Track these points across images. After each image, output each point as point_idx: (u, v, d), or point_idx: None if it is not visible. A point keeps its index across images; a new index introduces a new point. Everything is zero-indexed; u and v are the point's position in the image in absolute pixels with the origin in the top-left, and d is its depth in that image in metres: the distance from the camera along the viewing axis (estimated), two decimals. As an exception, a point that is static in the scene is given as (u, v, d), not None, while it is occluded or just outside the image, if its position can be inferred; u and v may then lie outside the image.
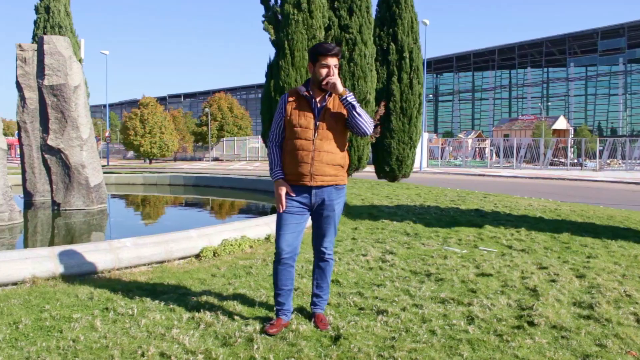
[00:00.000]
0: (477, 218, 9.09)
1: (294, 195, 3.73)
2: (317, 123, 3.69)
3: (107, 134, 46.90)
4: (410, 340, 3.49)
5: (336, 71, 3.69)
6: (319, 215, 3.82)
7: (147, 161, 49.62)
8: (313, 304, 3.97)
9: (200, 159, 60.02)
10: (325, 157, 3.68)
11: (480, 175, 29.44)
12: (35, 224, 9.76)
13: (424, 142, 34.54)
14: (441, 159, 42.79)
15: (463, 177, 27.84)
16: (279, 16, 16.56)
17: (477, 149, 48.77)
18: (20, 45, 12.44)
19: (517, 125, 62.97)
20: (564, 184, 23.06)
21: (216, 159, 57.67)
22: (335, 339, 3.51)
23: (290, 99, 3.79)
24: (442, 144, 45.39)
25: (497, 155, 41.51)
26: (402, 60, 18.63)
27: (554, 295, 4.53)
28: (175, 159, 59.34)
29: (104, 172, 20.74)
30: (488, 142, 46.66)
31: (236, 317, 3.88)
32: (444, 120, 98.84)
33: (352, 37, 17.46)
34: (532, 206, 11.06)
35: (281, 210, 3.75)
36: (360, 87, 17.44)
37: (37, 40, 10.86)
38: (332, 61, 3.67)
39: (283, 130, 3.81)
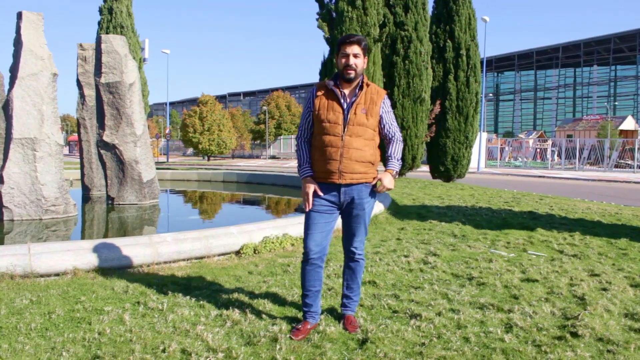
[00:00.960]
0: (529, 220, 8.77)
1: (322, 194, 3.63)
2: (347, 118, 3.57)
3: (167, 131, 48.05)
4: (440, 347, 3.34)
5: (357, 61, 3.57)
6: (349, 214, 3.71)
7: (206, 158, 50.56)
8: (343, 305, 3.87)
9: (257, 157, 60.72)
10: (354, 153, 3.56)
11: (539, 176, 28.55)
12: (89, 217, 10.03)
13: (482, 142, 33.79)
14: (500, 159, 41.77)
15: (522, 179, 27.06)
16: (333, 14, 16.51)
17: (539, 150, 47.36)
18: (81, 45, 12.83)
19: (581, 126, 60.85)
20: (629, 187, 22.07)
21: (273, 157, 58.21)
22: (362, 342, 3.41)
23: (319, 93, 3.68)
24: (501, 144, 44.29)
25: (559, 156, 40.19)
26: (459, 58, 18.26)
27: (603, 305, 4.27)
28: (233, 157, 60.26)
29: (163, 169, 21.28)
30: (550, 142, 45.21)
31: (264, 316, 3.82)
32: (504, 120, 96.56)
33: (407, 34, 17.25)
34: (590, 209, 10.60)
35: (307, 209, 3.66)
36: (415, 85, 17.20)
37: (96, 40, 11.17)
38: (351, 49, 3.56)
39: (312, 125, 3.72)
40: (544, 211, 10.04)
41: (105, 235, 8.03)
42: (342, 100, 3.61)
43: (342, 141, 3.55)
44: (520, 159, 43.88)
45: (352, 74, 3.58)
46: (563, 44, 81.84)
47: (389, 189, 3.67)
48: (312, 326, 3.65)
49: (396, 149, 3.75)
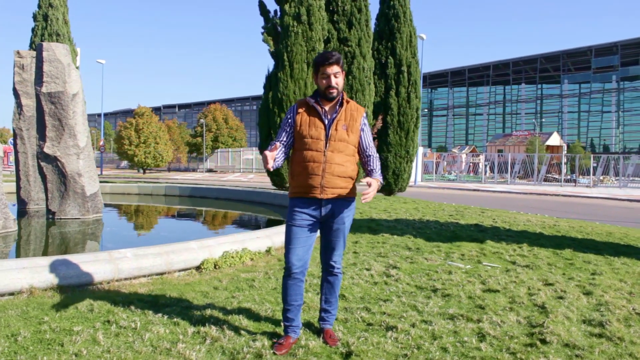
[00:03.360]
0: (477, 233, 9.03)
1: (301, 208, 3.65)
2: (329, 134, 3.61)
3: (101, 143, 46.71)
4: (423, 358, 3.40)
5: (338, 80, 3.63)
6: (329, 228, 3.73)
7: (141, 171, 49.42)
8: (321, 319, 3.87)
9: (194, 170, 59.84)
10: (336, 169, 3.59)
11: (474, 190, 29.43)
12: (30, 232, 9.61)
13: (419, 156, 34.55)
14: (436, 173, 42.80)
15: (458, 192, 27.82)
16: (279, 28, 16.58)
17: (471, 164, 48.88)
18: (18, 52, 12.34)
19: (511, 141, 63.26)
20: (558, 200, 23.06)
21: (210, 170, 57.51)
22: (347, 355, 3.42)
23: (300, 109, 3.72)
24: (436, 159, 45.39)
25: (492, 170, 41.56)
26: (401, 74, 18.66)
27: (563, 313, 4.46)
28: (169, 170, 59.15)
29: (101, 182, 20.62)
30: (482, 157, 46.71)
31: (242, 332, 3.77)
32: (438, 134, 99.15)
33: (351, 50, 17.47)
34: (530, 222, 11.02)
35: (269, 154, 3.48)
36: (358, 100, 17.42)
37: (36, 47, 10.78)
38: (332, 69, 3.60)
39: (291, 140, 3.73)
40: (488, 224, 10.36)
41: (47, 252, 7.70)
42: (323, 117, 3.65)
43: (324, 156, 3.58)
44: (454, 172, 45.11)
45: (335, 92, 3.64)
46: (493, 63, 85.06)
47: (373, 193, 3.54)
48: (293, 340, 3.64)
49: (377, 164, 3.79)
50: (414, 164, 20.61)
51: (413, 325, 4.02)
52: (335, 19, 17.78)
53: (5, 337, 3.62)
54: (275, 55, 16.68)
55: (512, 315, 4.36)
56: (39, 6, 22.18)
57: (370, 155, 3.79)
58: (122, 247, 5.72)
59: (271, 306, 4.41)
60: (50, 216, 10.51)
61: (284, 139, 3.74)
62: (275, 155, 3.58)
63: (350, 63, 17.62)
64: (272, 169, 3.53)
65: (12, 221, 8.95)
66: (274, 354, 3.41)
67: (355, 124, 3.69)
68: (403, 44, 18.74)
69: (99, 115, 61.24)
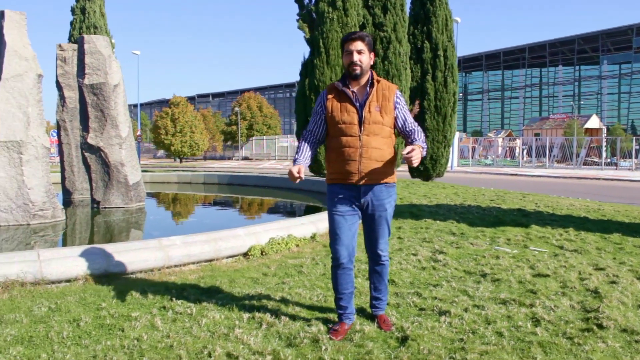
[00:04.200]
0: (521, 217, 8.91)
1: (342, 196, 3.58)
2: (362, 117, 3.52)
3: (138, 133, 47.43)
4: (479, 342, 3.38)
5: (362, 57, 3.51)
6: (371, 215, 3.65)
7: (178, 160, 50.06)
8: (373, 306, 3.87)
9: (229, 158, 60.34)
10: (373, 153, 3.50)
11: (512, 174, 29.02)
12: (76, 221, 9.85)
13: (455, 141, 34.18)
14: (472, 158, 42.32)
15: (495, 177, 27.46)
16: (314, 15, 16.53)
17: (508, 148, 48.13)
18: (60, 46, 12.58)
19: (548, 124, 62.03)
20: (599, 184, 22.58)
21: (246, 158, 57.92)
22: (402, 340, 3.42)
23: (330, 95, 3.63)
24: (472, 143, 44.85)
25: (529, 154, 40.89)
26: (437, 59, 18.44)
27: (617, 298, 4.37)
28: (205, 158, 59.77)
29: (144, 171, 20.98)
30: (519, 141, 45.98)
31: (297, 317, 3.81)
32: (473, 119, 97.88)
33: (386, 35, 17.34)
34: (574, 206, 10.82)
35: (295, 173, 3.43)
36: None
37: (76, 40, 10.97)
38: (354, 46, 3.51)
39: (324, 128, 3.66)
40: (531, 208, 10.21)
41: (93, 241, 7.89)
42: (354, 100, 3.55)
43: (360, 141, 3.49)
44: (490, 157, 44.55)
45: (358, 70, 3.53)
46: (529, 45, 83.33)
47: (415, 163, 3.34)
48: (348, 327, 3.63)
49: (420, 136, 3.62)
50: (450, 149, 20.42)
51: (466, 310, 4.00)
52: (370, 4, 17.64)
53: (68, 322, 3.73)
54: (311, 42, 16.66)
55: (565, 300, 4.30)
56: (77, 0, 22.58)
57: (412, 130, 3.64)
58: (166, 234, 5.84)
59: (322, 291, 4.44)
60: (95, 205, 10.74)
61: (314, 129, 3.68)
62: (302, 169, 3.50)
63: (386, 48, 17.48)
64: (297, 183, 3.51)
65: (60, 211, 9.18)
66: (331, 339, 3.43)
67: (389, 104, 3.57)
68: (439, 27, 18.49)
69: (135, 105, 62.06)
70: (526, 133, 60.58)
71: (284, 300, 4.21)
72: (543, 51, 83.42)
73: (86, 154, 10.79)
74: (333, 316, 3.82)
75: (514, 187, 17.98)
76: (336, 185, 3.62)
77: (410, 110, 18.23)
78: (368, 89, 3.58)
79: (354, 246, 3.67)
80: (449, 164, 32.10)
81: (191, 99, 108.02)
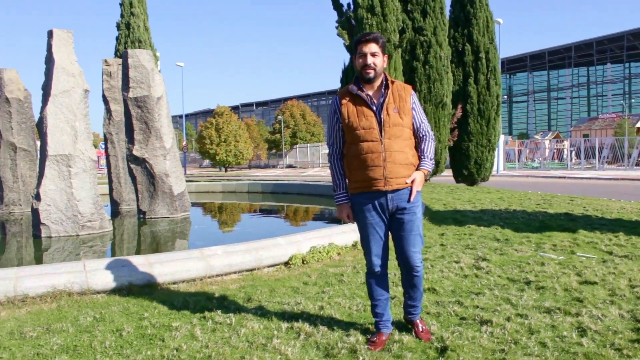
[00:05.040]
0: (568, 222, 8.68)
1: (369, 205, 3.51)
2: (381, 121, 3.40)
3: (183, 143, 48.28)
4: (521, 353, 3.29)
5: (376, 60, 3.42)
6: (400, 222, 3.51)
7: (223, 169, 50.71)
8: (408, 312, 3.78)
9: (274, 166, 60.81)
10: (397, 156, 3.39)
11: (560, 177, 28.34)
12: (123, 232, 10.08)
13: (500, 144, 33.60)
14: (518, 161, 41.52)
15: (543, 180, 26.86)
16: (353, 21, 16.52)
17: (555, 150, 47.03)
18: (106, 61, 12.93)
19: (597, 125, 60.44)
20: (654, 185, 21.82)
21: (290, 166, 58.27)
22: (442, 350, 3.37)
23: (344, 100, 3.51)
24: (518, 146, 44.01)
25: (577, 156, 39.86)
26: (479, 61, 18.20)
27: (670, 306, 4.21)
28: (249, 167, 60.40)
29: (189, 181, 21.34)
30: (567, 142, 44.87)
31: (335, 327, 3.79)
32: (518, 121, 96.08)
33: (426, 39, 17.22)
34: (625, 209, 10.48)
35: (347, 220, 3.59)
36: (436, 89, 17.16)
37: (121, 54, 11.25)
38: (368, 48, 3.39)
39: (343, 137, 3.56)
40: (579, 212, 9.94)
41: (140, 251, 8.05)
42: (370, 104, 3.45)
43: (382, 145, 3.38)
44: (537, 160, 43.62)
45: (372, 73, 3.42)
46: (575, 43, 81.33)
47: (418, 189, 3.47)
48: (386, 337, 3.57)
49: (429, 148, 3.57)
50: (495, 153, 20.09)
51: (508, 319, 3.91)
52: (409, 8, 17.56)
53: (111, 332, 3.82)
54: (351, 48, 16.65)
55: (614, 309, 4.15)
56: (122, 15, 23.21)
57: (423, 136, 3.57)
58: (210, 244, 5.90)
59: (362, 300, 4.41)
60: (141, 216, 10.97)
61: (336, 142, 3.59)
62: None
63: (427, 52, 17.35)
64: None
65: (107, 221, 9.41)
66: (369, 349, 3.40)
67: (406, 104, 3.47)
68: (480, 29, 18.25)
69: (180, 116, 63.35)
70: (574, 134, 59.18)
71: (323, 310, 4.20)
72: (590, 49, 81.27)
73: (132, 166, 11.04)
74: (372, 326, 3.79)
75: (562, 190, 17.55)
76: (362, 195, 3.52)
77: (453, 115, 18.05)
78: (383, 90, 3.48)
79: (386, 253, 3.61)
80: (495, 168, 31.59)
81: (235, 109, 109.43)
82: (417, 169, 3.53)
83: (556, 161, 44.71)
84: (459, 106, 18.26)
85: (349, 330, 3.72)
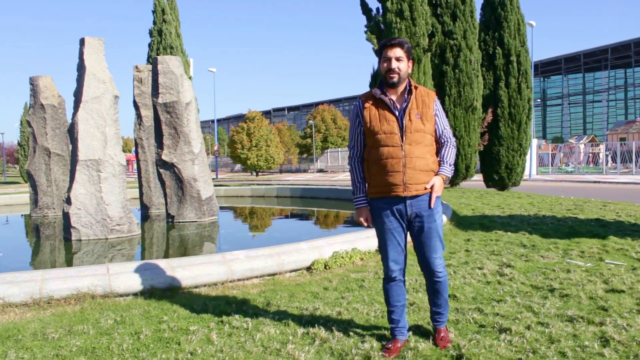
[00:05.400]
0: (598, 228, 8.49)
1: (387, 210, 3.51)
2: (403, 126, 3.41)
3: (215, 148, 48.74)
4: (539, 363, 3.23)
5: (401, 65, 3.41)
6: (420, 228, 3.51)
7: (254, 173, 51.06)
8: (433, 320, 3.75)
9: (305, 171, 60.94)
10: (418, 162, 3.38)
11: (595, 182, 27.75)
12: (151, 235, 10.21)
13: (533, 148, 33.08)
14: (551, 165, 40.82)
15: (576, 185, 26.35)
16: (382, 25, 16.50)
17: (590, 155, 46.09)
18: (136, 67, 13.15)
19: (634, 128, 59.04)
20: (692, 191, 21.21)
21: (321, 170, 58.32)
22: (457, 358, 3.32)
23: (367, 104, 3.53)
24: (552, 150, 43.27)
25: (614, 160, 38.99)
26: (510, 65, 17.97)
27: (700, 316, 4.07)
28: (280, 171, 60.67)
29: (216, 185, 21.56)
30: (602, 146, 43.96)
31: (351, 333, 3.78)
32: (552, 125, 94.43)
33: (456, 43, 17.09)
34: (660, 215, 10.21)
35: (365, 224, 3.61)
36: (466, 93, 17.00)
37: (152, 61, 11.42)
38: (393, 52, 3.39)
39: (364, 140, 3.57)
40: (611, 218, 9.72)
41: (167, 254, 8.14)
42: (392, 108, 3.45)
43: (402, 151, 3.38)
44: (572, 164, 42.82)
45: (395, 77, 3.42)
46: (612, 45, 79.60)
47: (437, 195, 3.49)
48: (402, 344, 3.55)
49: (449, 154, 3.57)
50: (527, 157, 19.79)
51: (528, 328, 3.84)
52: (438, 12, 17.46)
53: (129, 335, 3.87)
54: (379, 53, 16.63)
55: (640, 318, 4.04)
56: (154, 22, 23.59)
57: (444, 142, 3.58)
58: (236, 248, 5.93)
59: (380, 307, 4.38)
60: (170, 220, 11.10)
61: (357, 145, 3.61)
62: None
63: (457, 56, 17.22)
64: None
65: (135, 225, 9.54)
66: (383, 356, 3.38)
67: (429, 110, 3.46)
68: (511, 32, 18.02)
69: (213, 121, 64.03)
70: (610, 138, 57.98)
71: (341, 315, 4.19)
72: (627, 51, 79.41)
73: (161, 170, 11.18)
74: (388, 333, 3.76)
75: (597, 195, 17.17)
76: (381, 200, 3.51)
77: (483, 119, 17.85)
78: (406, 96, 3.48)
79: (404, 259, 3.61)
80: (527, 173, 31.12)
81: (267, 113, 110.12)
82: (436, 174, 3.52)
83: (591, 165, 43.82)
84: (490, 110, 18.06)
85: (364, 337, 3.70)
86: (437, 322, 3.73)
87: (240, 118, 72.74)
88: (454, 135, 17.19)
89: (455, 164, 17.56)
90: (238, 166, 61.73)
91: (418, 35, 15.78)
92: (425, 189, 3.45)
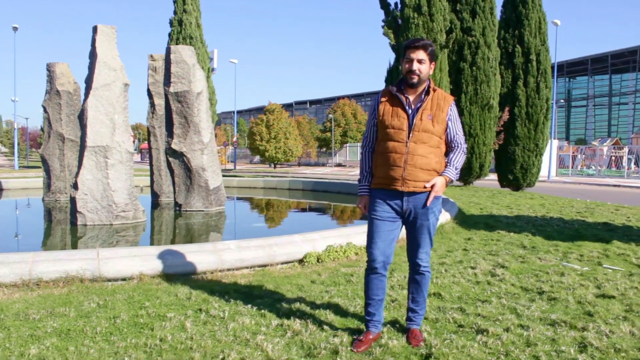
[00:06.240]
0: (604, 232, 8.36)
1: (384, 201, 3.59)
2: (412, 124, 3.49)
3: (235, 139, 48.92)
4: (509, 365, 3.18)
5: (422, 67, 3.48)
6: (412, 224, 3.60)
7: (272, 166, 51.13)
8: (408, 319, 3.75)
9: (323, 165, 60.92)
10: (419, 160, 3.46)
11: (614, 185, 27.31)
12: (157, 223, 10.28)
13: (553, 149, 32.64)
14: (572, 167, 40.26)
15: (595, 188, 25.96)
16: (399, 20, 16.38)
17: (614, 158, 45.35)
18: (151, 56, 13.22)
19: (661, 132, 57.93)
20: None
21: (339, 165, 58.24)
22: (426, 357, 3.28)
23: (383, 99, 3.64)
24: (573, 152, 42.67)
25: (637, 164, 38.35)
26: (529, 63, 17.73)
27: (689, 326, 3.96)
28: (299, 164, 60.70)
29: (230, 176, 21.67)
30: (626, 150, 43.25)
31: (326, 327, 3.76)
32: (576, 126, 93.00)
33: (475, 40, 16.91)
34: (672, 221, 10.01)
35: (364, 211, 3.67)
36: (482, 91, 16.82)
37: (165, 50, 11.47)
38: (416, 55, 3.47)
39: (376, 132, 3.66)
40: (620, 222, 9.55)
41: (172, 241, 8.19)
42: (406, 106, 3.53)
43: (406, 147, 3.47)
44: (593, 167, 42.20)
45: (415, 79, 3.50)
46: (641, 47, 78.10)
47: (437, 195, 3.54)
48: (374, 336, 3.56)
49: (457, 158, 3.64)
50: (545, 158, 19.54)
51: (507, 330, 3.78)
52: (457, 8, 17.27)
53: (107, 319, 3.90)
54: (396, 48, 16.51)
55: (625, 326, 3.94)
56: (175, 12, 23.67)
57: (455, 147, 3.64)
58: (237, 238, 5.97)
59: (361, 302, 4.34)
60: (177, 208, 11.16)
61: (370, 135, 3.71)
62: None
63: (475, 53, 17.04)
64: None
65: (141, 212, 9.61)
66: (352, 350, 3.36)
67: (442, 113, 3.53)
68: (532, 31, 17.77)
69: (233, 112, 64.36)
70: (635, 141, 57.04)
71: (320, 309, 4.17)
72: (657, 53, 77.85)
73: (170, 159, 11.24)
74: (363, 327, 3.73)
75: (615, 199, 16.88)
76: (380, 191, 3.60)
77: (500, 117, 17.65)
78: (423, 96, 3.56)
79: (390, 253, 3.64)
80: (546, 174, 30.74)
81: (289, 106, 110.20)
82: (440, 175, 3.58)
83: (613, 169, 43.12)
84: (507, 109, 17.85)
85: (337, 332, 3.68)
86: (411, 322, 3.72)
87: (261, 110, 72.89)
88: (469, 133, 17.04)
89: (469, 162, 17.40)
90: (257, 158, 61.87)
91: (435, 31, 15.62)
92: (425, 187, 3.51)
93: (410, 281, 3.76)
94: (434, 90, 3.58)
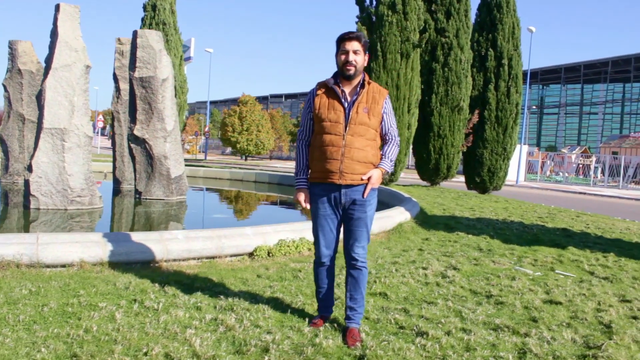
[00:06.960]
0: (562, 238, 8.38)
1: (322, 196, 3.60)
2: (349, 117, 3.47)
3: (206, 129, 48.43)
4: (443, 370, 3.10)
5: (357, 58, 3.49)
6: (350, 217, 3.59)
7: (244, 158, 50.74)
8: (347, 317, 3.66)
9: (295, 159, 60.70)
10: (356, 154, 3.46)
11: (580, 193, 27.69)
12: (114, 210, 10.04)
13: (523, 155, 32.96)
14: (541, 173, 40.74)
15: (561, 194, 26.28)
16: (373, 17, 16.30)
17: (581, 166, 46.03)
18: (119, 39, 12.92)
19: (627, 143, 59.06)
20: (674, 209, 21.14)
21: (310, 160, 58.04)
22: (359, 359, 3.18)
23: (319, 92, 3.61)
24: (542, 158, 43.17)
25: (603, 173, 38.94)
26: (501, 68, 17.79)
27: (631, 336, 3.90)
28: (270, 158, 60.40)
29: (198, 166, 21.37)
30: (594, 158, 43.87)
31: (261, 323, 3.63)
32: (548, 133, 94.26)
33: (448, 41, 16.91)
34: (629, 230, 10.11)
35: (304, 204, 3.67)
36: (453, 93, 16.84)
37: (132, 34, 11.19)
38: (351, 45, 3.48)
39: (312, 126, 3.64)
40: (579, 229, 9.61)
41: (131, 229, 7.99)
42: (342, 99, 3.52)
43: (343, 140, 3.46)
44: (561, 174, 42.78)
45: (352, 70, 3.50)
46: (613, 58, 79.26)
47: (373, 187, 3.57)
48: (326, 320, 3.82)
49: (392, 150, 3.67)
50: (513, 162, 19.66)
51: (448, 333, 3.70)
52: (432, 8, 17.25)
53: (34, 307, 3.72)
54: (369, 45, 16.42)
55: (568, 333, 3.89)
56: (149, -3, 23.15)
57: (389, 140, 3.68)
58: (196, 228, 5.82)
59: (303, 299, 4.23)
60: (137, 196, 10.93)
61: (306, 129, 3.69)
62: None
63: (447, 55, 17.03)
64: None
65: (98, 198, 9.37)
66: (281, 348, 3.24)
67: (377, 106, 3.55)
68: (505, 35, 17.83)
69: (207, 102, 63.81)
70: (603, 150, 58.00)
71: (259, 304, 4.03)
72: (628, 65, 79.14)
73: (132, 145, 10.99)
74: (300, 325, 3.63)
75: (579, 206, 17.05)
76: (318, 186, 3.60)
77: (469, 120, 17.70)
78: (359, 89, 3.56)
79: (335, 245, 3.70)
80: (514, 178, 31.03)
81: (264, 99, 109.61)
82: (376, 167, 3.59)
83: (581, 177, 43.77)
84: (477, 112, 17.90)
85: (271, 329, 3.55)
86: (350, 320, 3.64)
87: (236, 101, 72.38)
88: (438, 134, 17.06)
89: (437, 163, 17.44)
90: (229, 149, 61.38)
91: (409, 30, 15.58)
92: (362, 179, 3.51)
93: (348, 277, 3.71)
94: (369, 84, 3.60)
